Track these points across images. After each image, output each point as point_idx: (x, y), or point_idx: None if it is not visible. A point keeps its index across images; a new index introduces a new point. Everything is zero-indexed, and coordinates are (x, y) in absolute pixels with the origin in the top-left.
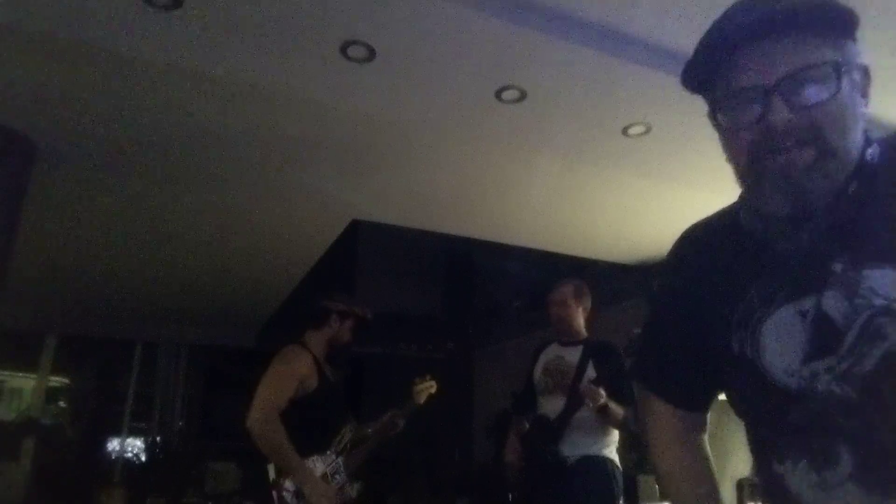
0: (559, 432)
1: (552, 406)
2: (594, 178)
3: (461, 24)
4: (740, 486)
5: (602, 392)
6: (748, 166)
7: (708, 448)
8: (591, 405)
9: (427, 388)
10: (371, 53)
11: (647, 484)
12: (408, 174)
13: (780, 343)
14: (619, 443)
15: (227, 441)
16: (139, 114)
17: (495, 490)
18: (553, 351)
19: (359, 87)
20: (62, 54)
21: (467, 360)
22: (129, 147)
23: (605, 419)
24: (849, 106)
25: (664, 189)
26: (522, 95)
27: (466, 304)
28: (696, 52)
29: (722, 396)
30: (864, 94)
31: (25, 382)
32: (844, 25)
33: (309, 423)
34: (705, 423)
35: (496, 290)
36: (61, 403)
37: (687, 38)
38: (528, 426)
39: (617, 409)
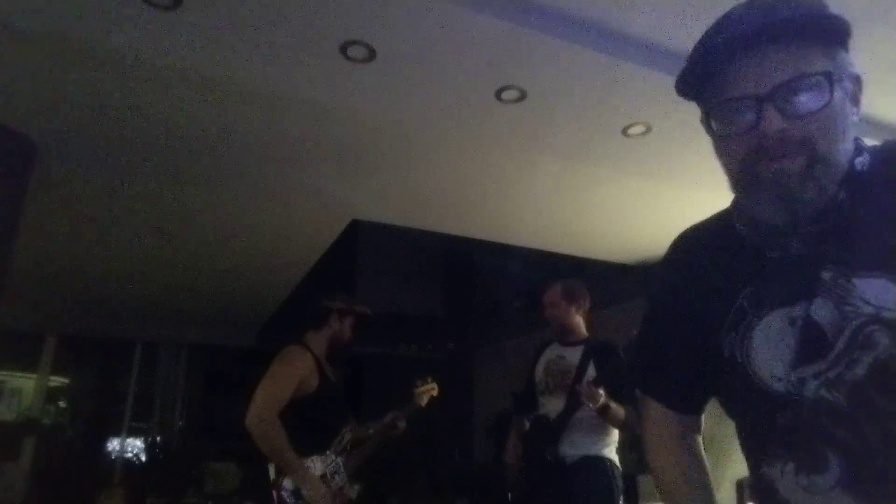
0: (559, 432)
1: (553, 406)
2: (594, 178)
3: (461, 24)
4: (740, 486)
5: (601, 392)
6: (741, 173)
7: (703, 449)
8: (593, 405)
9: (428, 390)
10: (371, 53)
11: (647, 484)
12: (408, 174)
13: (769, 348)
14: (619, 443)
15: (227, 441)
16: (139, 114)
17: (495, 490)
18: (554, 351)
19: (359, 87)
20: (62, 54)
21: (467, 360)
22: (128, 147)
23: (606, 419)
24: (840, 115)
25: (664, 189)
26: (522, 95)
27: (466, 304)
28: (691, 60)
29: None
30: (856, 103)
31: (25, 382)
32: (837, 35)
33: (309, 424)
34: (700, 425)
35: (496, 290)
36: (61, 403)
37: (687, 38)
38: (528, 426)
39: (618, 409)
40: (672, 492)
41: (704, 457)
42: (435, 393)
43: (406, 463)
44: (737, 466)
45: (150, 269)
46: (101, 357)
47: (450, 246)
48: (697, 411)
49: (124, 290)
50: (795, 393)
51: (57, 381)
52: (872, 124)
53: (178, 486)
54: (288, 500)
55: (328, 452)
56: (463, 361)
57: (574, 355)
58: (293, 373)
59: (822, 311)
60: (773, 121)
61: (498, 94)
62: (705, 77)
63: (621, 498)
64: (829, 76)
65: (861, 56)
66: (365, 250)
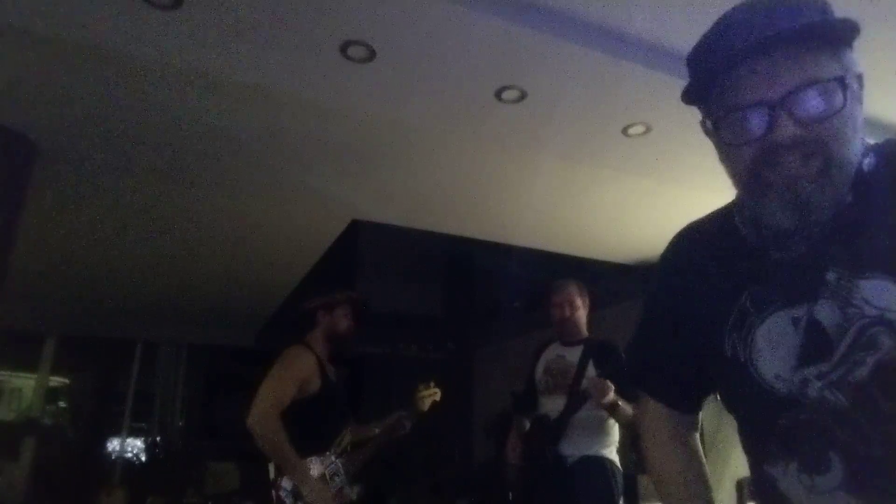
0: (559, 432)
1: (553, 406)
2: (594, 178)
3: (461, 24)
4: (740, 486)
5: (610, 385)
6: (750, 179)
7: (700, 448)
8: (601, 399)
9: (431, 394)
10: (371, 53)
11: (647, 484)
12: (408, 174)
13: (773, 349)
14: (619, 443)
15: (227, 441)
16: (139, 114)
17: (495, 490)
18: (554, 350)
19: (359, 87)
20: (62, 54)
21: (467, 360)
22: (128, 147)
23: (614, 416)
24: (851, 118)
25: (664, 189)
26: (522, 95)
27: (466, 304)
28: (695, 66)
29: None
30: (861, 102)
31: (25, 382)
32: (845, 36)
33: (309, 425)
34: (697, 423)
35: (496, 290)
36: (61, 403)
37: (687, 38)
38: (528, 426)
39: (626, 407)
40: (670, 489)
41: (702, 454)
42: (437, 398)
43: (406, 463)
44: (737, 466)
45: (150, 269)
46: (101, 357)
47: (450, 246)
48: (695, 410)
49: (124, 290)
50: (798, 394)
51: (57, 381)
52: (872, 124)
53: (178, 486)
54: (285, 500)
55: (328, 453)
56: (463, 361)
57: (574, 355)
58: (295, 374)
59: (825, 312)
60: (787, 127)
61: (498, 94)
62: (710, 84)
63: (621, 498)
64: (842, 81)
65: (860, 55)
66: (365, 250)
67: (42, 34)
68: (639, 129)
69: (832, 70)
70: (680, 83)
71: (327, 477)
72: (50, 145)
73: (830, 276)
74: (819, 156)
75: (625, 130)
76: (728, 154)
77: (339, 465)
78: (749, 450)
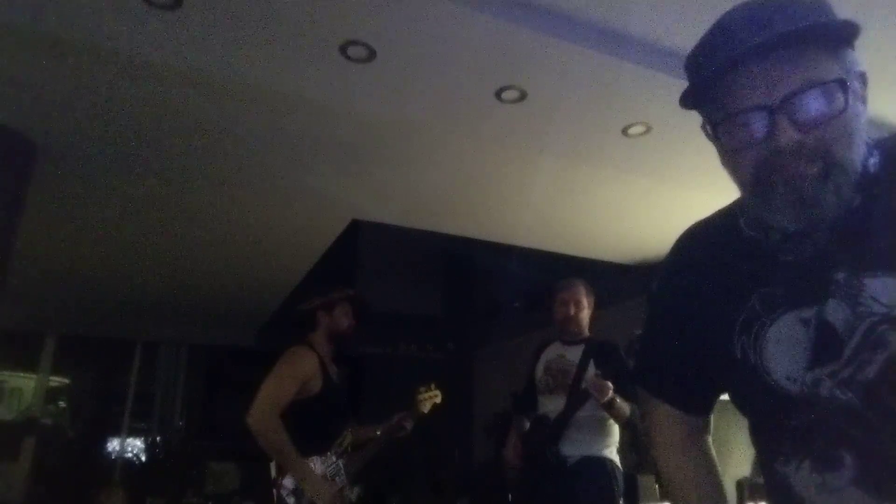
0: (559, 432)
1: (553, 406)
2: (594, 178)
3: (461, 24)
4: (740, 486)
5: (609, 385)
6: (754, 183)
7: (713, 452)
8: (601, 399)
9: (431, 397)
10: (371, 53)
11: (647, 484)
12: (408, 174)
13: (783, 350)
14: (619, 443)
15: (227, 441)
16: (139, 114)
17: (495, 490)
18: (555, 350)
19: (359, 87)
20: (62, 54)
21: (467, 360)
22: (129, 147)
23: (611, 414)
24: (854, 120)
25: (664, 189)
26: (522, 95)
27: (466, 304)
28: (693, 70)
29: (723, 396)
30: (864, 102)
31: (25, 382)
32: (845, 37)
33: (310, 425)
34: (709, 426)
35: (496, 290)
36: (61, 403)
37: (687, 39)
38: (528, 426)
39: (623, 405)
40: (682, 495)
41: (715, 458)
42: (438, 400)
43: (406, 463)
44: (737, 466)
45: (150, 270)
46: (101, 357)
47: (450, 246)
48: (706, 412)
49: (124, 290)
50: (810, 394)
51: (57, 381)
52: (872, 124)
53: (178, 486)
54: (287, 499)
55: (329, 454)
56: (463, 361)
57: (574, 354)
58: (297, 373)
59: (835, 312)
60: (787, 132)
61: (498, 94)
62: (708, 88)
63: (621, 498)
64: (843, 84)
65: (861, 54)
66: (365, 250)
67: (42, 34)
68: (639, 129)
69: (832, 71)
70: (680, 83)
71: (328, 477)
72: (50, 145)
73: (839, 275)
74: (820, 158)
75: (625, 130)
76: (730, 159)
77: (340, 465)
78: (761, 449)
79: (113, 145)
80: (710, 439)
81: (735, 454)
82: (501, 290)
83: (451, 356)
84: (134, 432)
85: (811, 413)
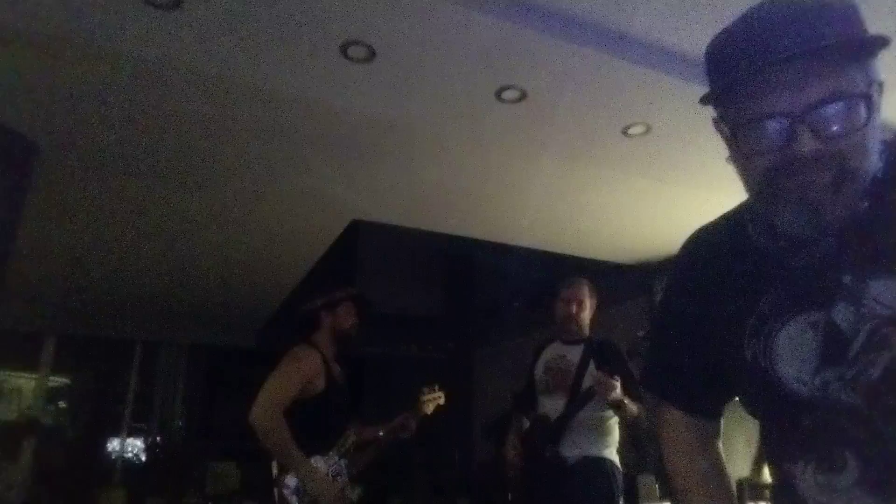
0: (559, 432)
1: (553, 405)
2: (594, 178)
3: (461, 24)
4: (740, 486)
5: (616, 382)
6: (764, 186)
7: (723, 456)
8: (607, 396)
9: (435, 398)
10: (371, 53)
11: (647, 484)
12: (408, 174)
13: (793, 353)
14: (619, 443)
15: (227, 441)
16: (139, 114)
17: (495, 490)
18: (555, 349)
19: (359, 87)
20: (62, 54)
21: (467, 360)
22: (128, 147)
23: (619, 414)
24: (872, 132)
25: (664, 189)
26: (522, 95)
27: (466, 304)
28: (719, 66)
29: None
30: (880, 109)
31: (25, 382)
32: (872, 49)
33: (313, 424)
34: (719, 431)
35: (496, 290)
36: (61, 403)
37: (687, 38)
38: (528, 426)
39: (632, 405)
40: (690, 500)
41: (725, 464)
42: (441, 402)
43: (406, 463)
44: (737, 466)
45: (150, 269)
46: (101, 357)
47: (450, 246)
48: (717, 416)
49: (124, 290)
50: (819, 396)
51: (57, 381)
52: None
53: (178, 486)
54: (289, 498)
55: (331, 453)
56: (463, 361)
57: (575, 354)
58: (300, 372)
59: (843, 315)
60: (807, 142)
61: (498, 94)
62: (732, 88)
63: (621, 498)
64: (867, 98)
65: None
66: (365, 250)
67: (42, 34)
68: (639, 129)
69: (858, 84)
70: (680, 83)
71: (330, 476)
72: (50, 145)
73: (846, 278)
74: (835, 168)
75: (625, 130)
76: (744, 160)
77: (343, 465)
78: (770, 451)
79: (113, 145)
80: (720, 444)
81: (735, 454)
82: (501, 290)
83: (451, 356)
84: (134, 432)
85: (818, 415)
